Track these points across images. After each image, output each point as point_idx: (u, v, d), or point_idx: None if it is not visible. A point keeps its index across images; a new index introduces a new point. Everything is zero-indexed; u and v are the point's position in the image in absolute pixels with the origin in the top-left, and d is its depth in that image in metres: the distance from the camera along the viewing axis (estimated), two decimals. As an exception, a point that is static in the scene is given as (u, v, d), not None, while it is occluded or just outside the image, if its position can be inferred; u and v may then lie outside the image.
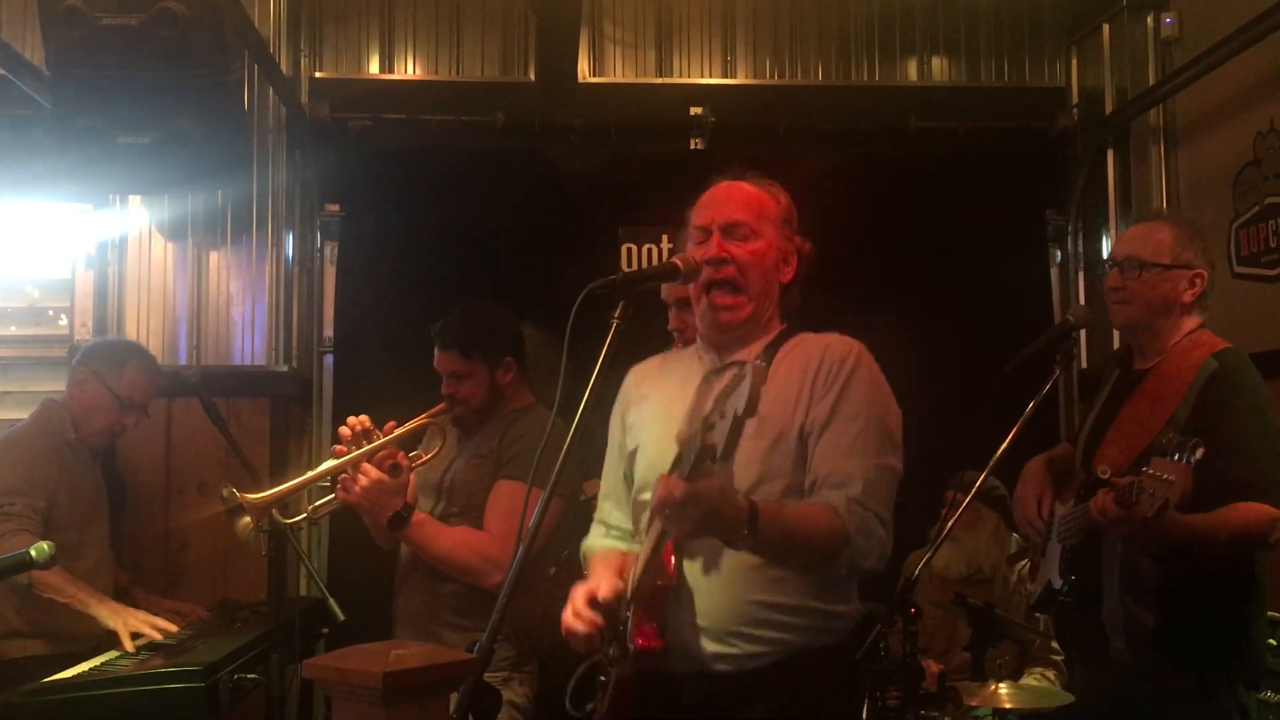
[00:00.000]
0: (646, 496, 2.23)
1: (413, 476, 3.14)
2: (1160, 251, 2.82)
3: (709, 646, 2.14)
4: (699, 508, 1.84)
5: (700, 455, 1.79)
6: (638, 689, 2.15)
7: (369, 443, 3.07)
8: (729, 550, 2.11)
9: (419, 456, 3.21)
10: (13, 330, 4.65)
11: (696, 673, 2.15)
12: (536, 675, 3.18)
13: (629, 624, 2.13)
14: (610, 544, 2.44)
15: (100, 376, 3.63)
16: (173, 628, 3.39)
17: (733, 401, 1.70)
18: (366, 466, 3.01)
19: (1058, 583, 2.82)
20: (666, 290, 2.89)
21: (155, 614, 3.68)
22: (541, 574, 3.14)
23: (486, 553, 3.03)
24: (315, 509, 3.17)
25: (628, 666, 2.12)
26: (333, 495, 3.12)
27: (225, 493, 3.00)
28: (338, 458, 3.06)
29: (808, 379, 2.22)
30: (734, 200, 2.31)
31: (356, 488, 3.00)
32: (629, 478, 2.41)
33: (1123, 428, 2.79)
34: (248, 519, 2.97)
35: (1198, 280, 2.80)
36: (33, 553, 2.64)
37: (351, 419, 3.10)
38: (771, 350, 2.28)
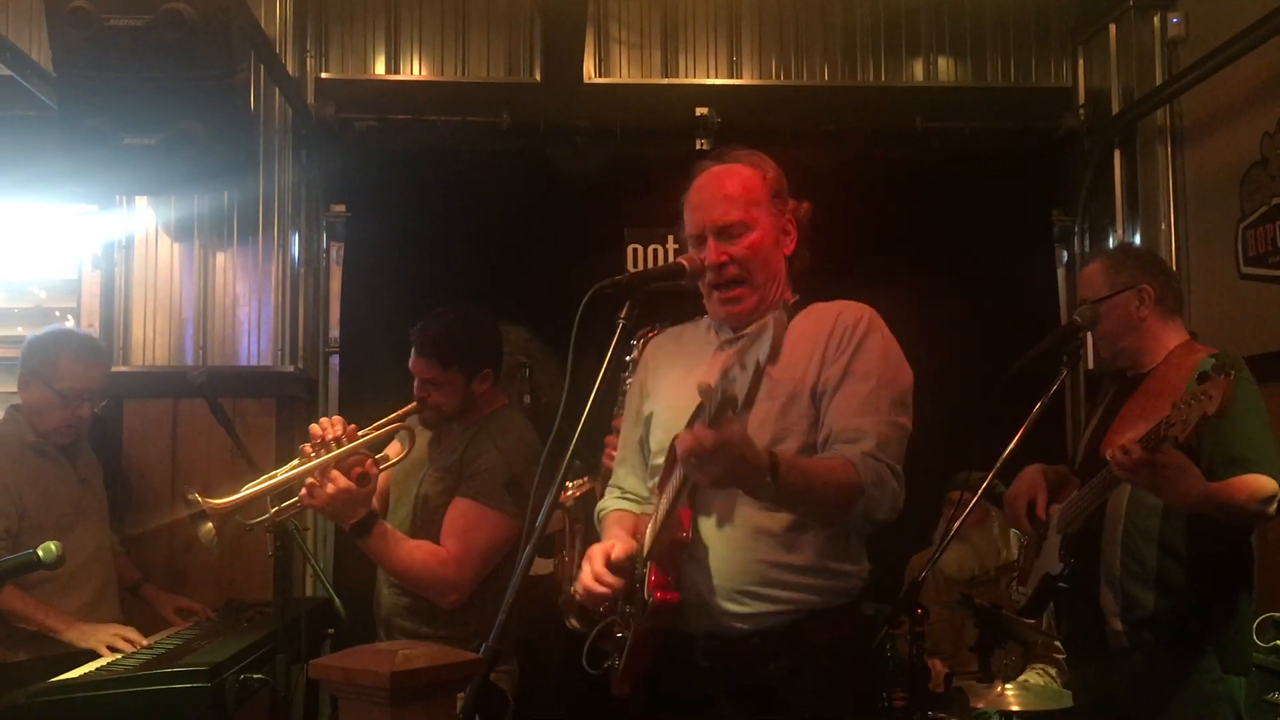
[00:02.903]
0: (660, 461, 2.31)
1: (385, 479, 3.12)
2: (1095, 287, 2.99)
3: (724, 605, 2.19)
4: (727, 455, 1.88)
5: (721, 405, 1.81)
6: (655, 644, 2.20)
7: (338, 445, 3.01)
8: (743, 510, 2.17)
9: (386, 459, 3.19)
10: (19, 331, 4.64)
11: (711, 633, 2.20)
12: (515, 674, 3.18)
13: (645, 579, 2.17)
14: (625, 505, 2.49)
15: (38, 375, 3.55)
16: (142, 640, 3.36)
17: (754, 352, 1.71)
18: (335, 474, 2.95)
19: (1056, 569, 2.86)
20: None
21: (163, 611, 3.68)
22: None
23: (443, 573, 3.03)
24: (279, 511, 3.05)
25: (645, 621, 2.16)
26: (296, 499, 3.03)
27: (190, 497, 2.93)
28: (305, 459, 3.00)
29: (820, 342, 2.26)
30: (722, 198, 2.33)
31: (322, 494, 2.94)
32: (644, 444, 2.46)
33: (1128, 419, 2.84)
34: (209, 525, 2.90)
35: (1144, 294, 2.93)
36: (40, 553, 2.65)
37: (324, 420, 3.05)
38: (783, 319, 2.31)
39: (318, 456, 3.00)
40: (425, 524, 3.14)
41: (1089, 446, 2.98)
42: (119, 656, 3.22)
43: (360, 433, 3.07)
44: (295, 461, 3.03)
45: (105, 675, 2.92)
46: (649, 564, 2.18)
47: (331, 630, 3.63)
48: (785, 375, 2.21)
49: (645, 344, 2.80)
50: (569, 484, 3.17)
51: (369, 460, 3.06)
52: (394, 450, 3.29)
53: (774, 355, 1.68)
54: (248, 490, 2.99)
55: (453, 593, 3.03)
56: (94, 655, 3.26)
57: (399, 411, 3.20)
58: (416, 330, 3.20)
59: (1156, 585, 2.76)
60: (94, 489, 3.74)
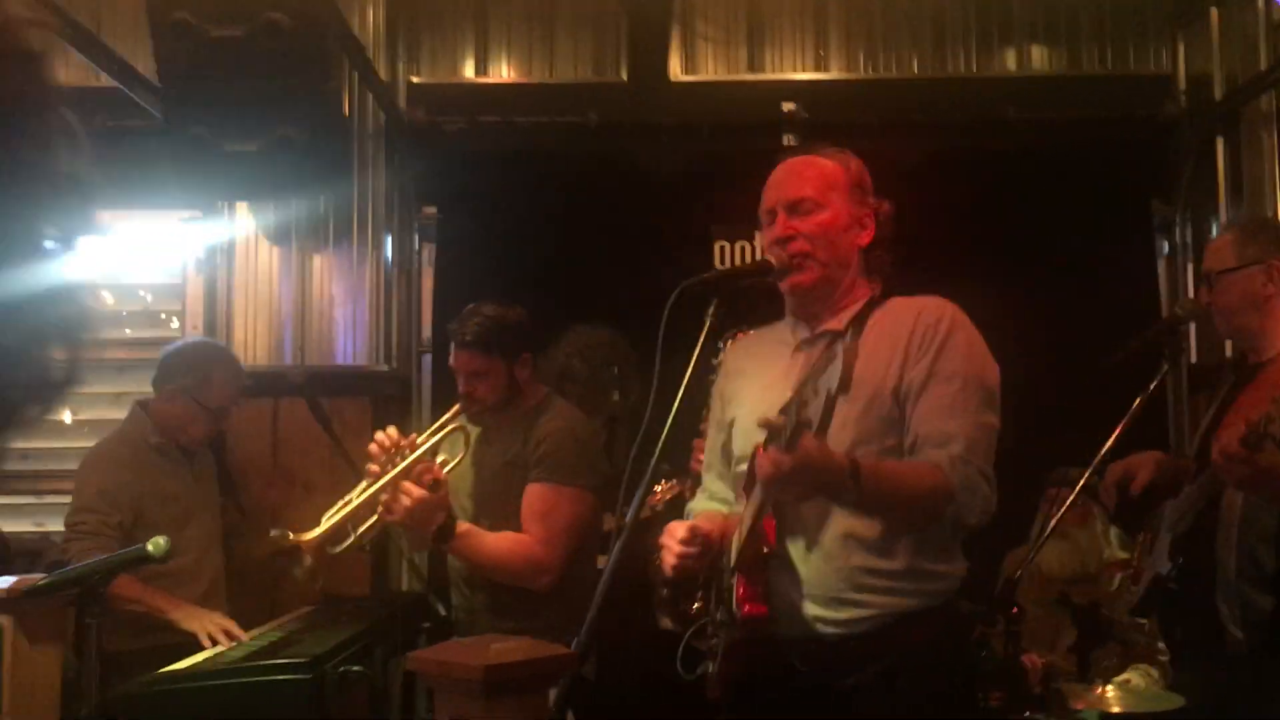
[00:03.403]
0: (743, 468, 2.28)
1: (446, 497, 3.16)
2: (1224, 258, 2.86)
3: (814, 611, 2.17)
4: (807, 473, 1.88)
5: (796, 430, 1.81)
6: (749, 653, 2.19)
7: (401, 458, 3.03)
8: (833, 516, 2.15)
9: (446, 463, 3.20)
10: (127, 333, 4.82)
11: (804, 638, 2.18)
12: (593, 671, 3.20)
13: (733, 591, 2.16)
14: (715, 506, 2.48)
15: (189, 392, 3.66)
16: (244, 636, 3.43)
17: (825, 379, 1.71)
18: (408, 486, 2.96)
19: (1165, 568, 2.77)
20: None
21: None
22: (590, 570, 3.14)
23: (531, 556, 3.06)
24: (360, 535, 3.10)
25: (736, 632, 2.16)
26: (375, 519, 3.06)
27: (275, 534, 2.96)
28: (372, 478, 3.02)
29: (900, 343, 2.22)
30: (795, 176, 2.32)
31: (400, 509, 2.96)
32: (727, 450, 2.44)
33: (1240, 413, 2.73)
34: (308, 561, 2.93)
35: (1274, 271, 2.80)
36: (149, 548, 2.75)
37: (380, 435, 3.06)
38: (862, 317, 2.29)
39: (384, 473, 3.02)
40: (492, 522, 3.17)
41: (1202, 440, 2.86)
42: (223, 649, 3.31)
43: (419, 440, 3.10)
44: (364, 483, 3.04)
45: (210, 666, 3.01)
46: (736, 575, 2.17)
47: (427, 624, 3.69)
48: (865, 376, 2.17)
49: (732, 345, 2.80)
50: (657, 487, 3.19)
51: (436, 465, 3.08)
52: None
53: (845, 386, 1.68)
54: (329, 521, 3.01)
55: (544, 575, 3.06)
56: (200, 646, 3.36)
57: (448, 414, 3.24)
58: (452, 328, 3.26)
59: (1275, 587, 2.62)
60: (207, 487, 3.86)
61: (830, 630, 2.17)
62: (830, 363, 1.70)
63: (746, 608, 2.12)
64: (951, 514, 2.12)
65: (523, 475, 3.17)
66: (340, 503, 3.06)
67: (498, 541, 3.12)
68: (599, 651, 3.24)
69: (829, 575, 2.16)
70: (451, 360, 3.27)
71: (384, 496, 3.01)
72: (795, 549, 2.19)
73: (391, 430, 3.09)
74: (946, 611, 2.24)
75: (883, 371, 2.20)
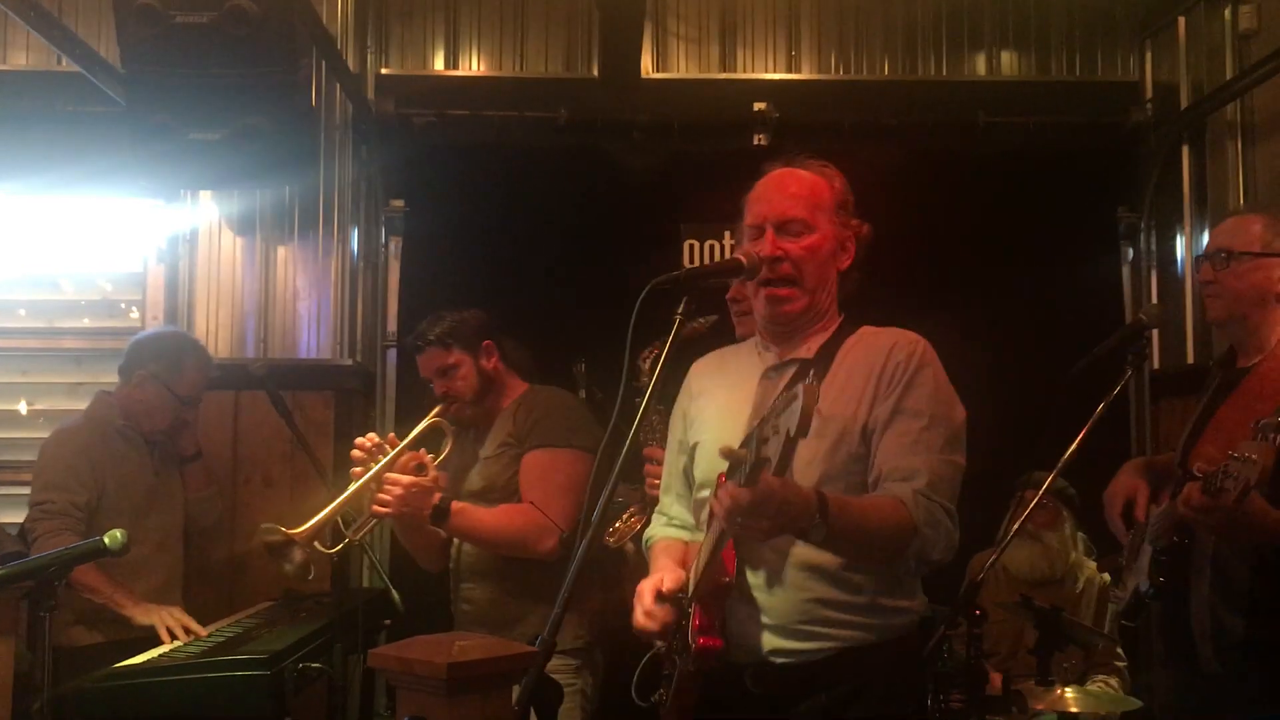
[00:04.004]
0: (706, 494, 2.24)
1: (441, 477, 3.15)
2: (1249, 240, 2.76)
3: (771, 642, 2.15)
4: (767, 508, 1.84)
5: (756, 465, 1.78)
6: (700, 684, 2.15)
7: (384, 456, 3.08)
8: (794, 548, 2.12)
9: (433, 458, 3.21)
10: (86, 323, 4.75)
11: (758, 663, 2.16)
12: (602, 664, 3.19)
13: (689, 620, 2.13)
14: (673, 533, 2.44)
15: (159, 378, 3.67)
16: (202, 631, 3.41)
17: (786, 418, 1.68)
18: (394, 475, 3.01)
19: (1144, 586, 2.76)
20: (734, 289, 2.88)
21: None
22: (601, 547, 3.12)
23: (531, 519, 3.06)
24: (355, 530, 3.15)
25: (689, 663, 2.12)
26: (368, 515, 3.11)
27: (265, 527, 2.99)
28: (357, 478, 3.07)
29: (872, 378, 2.20)
30: (786, 194, 2.29)
31: (392, 498, 2.99)
32: (689, 474, 2.41)
33: (1221, 426, 2.72)
34: (299, 553, 2.97)
35: None
36: (106, 540, 2.71)
37: (360, 439, 3.13)
38: (832, 346, 2.27)
39: (367, 472, 3.06)
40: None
41: (1186, 445, 2.85)
42: (180, 644, 3.27)
43: (400, 440, 3.14)
44: (352, 484, 3.09)
45: (167, 662, 2.98)
46: (693, 605, 2.14)
47: (388, 621, 3.67)
48: (835, 411, 2.16)
49: (652, 363, 2.78)
50: (618, 523, 3.16)
51: (420, 452, 3.11)
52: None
53: (803, 430, 1.65)
54: (320, 516, 3.05)
55: (549, 536, 3.05)
56: (157, 641, 3.32)
57: (430, 414, 3.26)
58: (411, 339, 3.35)
59: (1248, 607, 2.60)
60: (168, 480, 3.83)
61: (785, 660, 2.14)
62: (792, 402, 1.67)
63: (701, 640, 2.08)
64: (915, 549, 2.09)
65: (516, 453, 3.18)
66: (331, 505, 3.08)
67: (496, 514, 3.12)
68: (607, 656, 3.22)
69: (789, 607, 2.14)
70: (420, 368, 3.32)
71: (376, 494, 3.03)
72: (755, 580, 2.16)
73: (372, 435, 3.15)
74: (904, 645, 2.22)
75: (853, 408, 2.18)
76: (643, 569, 2.42)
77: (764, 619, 2.15)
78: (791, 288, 2.25)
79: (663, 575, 2.22)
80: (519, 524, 3.07)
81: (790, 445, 1.68)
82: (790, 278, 2.24)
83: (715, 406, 2.36)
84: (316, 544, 3.03)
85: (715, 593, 2.11)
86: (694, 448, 2.37)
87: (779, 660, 2.14)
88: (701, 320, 2.94)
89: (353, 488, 3.07)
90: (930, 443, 2.14)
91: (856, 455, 2.17)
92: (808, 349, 2.28)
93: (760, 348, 2.37)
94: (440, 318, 3.33)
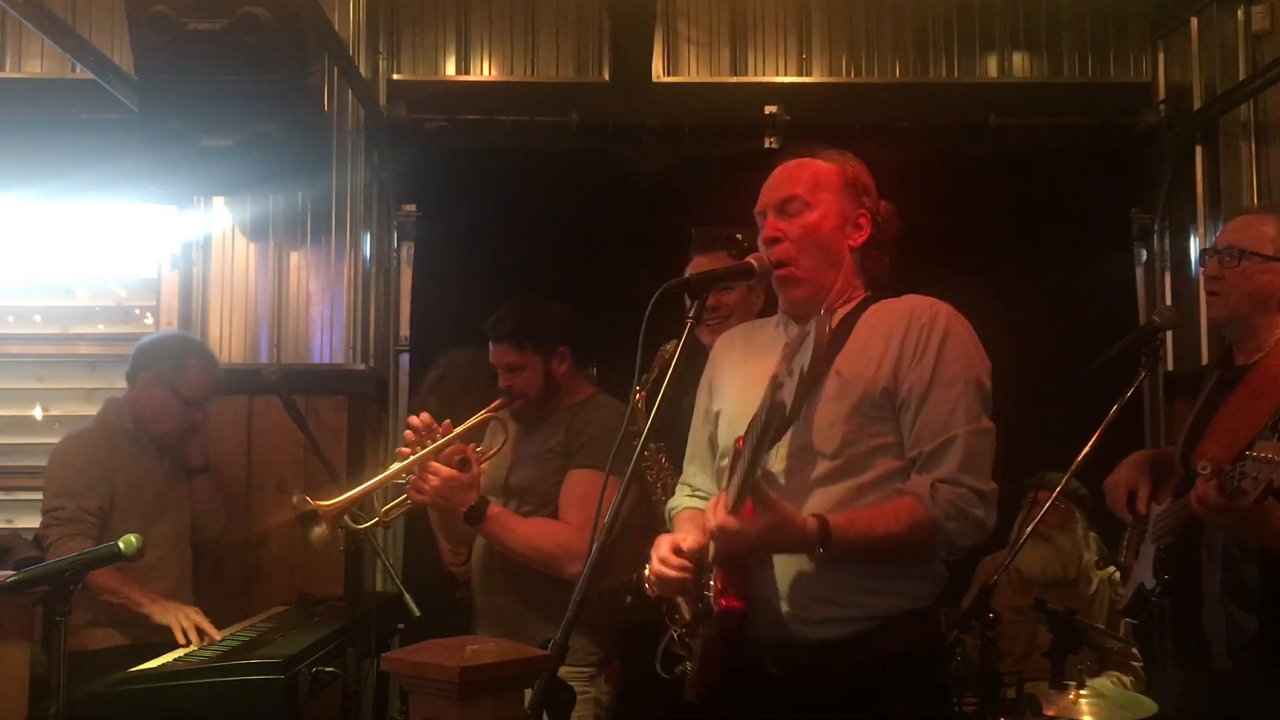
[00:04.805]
0: (726, 462, 2.27)
1: (481, 472, 3.15)
2: (1262, 242, 2.74)
3: (792, 612, 2.15)
4: (746, 542, 1.93)
5: (741, 491, 1.82)
6: (725, 651, 2.18)
7: (432, 441, 3.06)
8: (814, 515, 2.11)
9: (484, 452, 3.21)
10: (101, 329, 4.77)
11: (778, 641, 2.17)
12: (619, 670, 3.18)
13: (712, 586, 2.14)
14: (696, 503, 2.46)
15: (164, 380, 3.68)
16: (216, 634, 3.42)
17: (799, 358, 1.69)
18: (436, 465, 3.00)
19: (1150, 583, 2.75)
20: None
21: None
22: (619, 560, 3.13)
23: (565, 542, 3.02)
24: (387, 512, 3.15)
25: (713, 627, 2.14)
26: (404, 497, 3.11)
27: (296, 499, 2.99)
28: (403, 459, 3.05)
29: (894, 340, 2.20)
30: (787, 177, 2.31)
31: (429, 486, 2.99)
32: (713, 442, 2.42)
33: (1224, 423, 2.71)
34: (322, 527, 2.96)
35: None
36: (121, 545, 2.74)
37: (413, 419, 3.10)
38: (853, 316, 2.27)
39: (413, 454, 3.04)
40: (527, 513, 3.16)
41: (1186, 444, 2.84)
42: (194, 648, 3.28)
43: (454, 427, 3.11)
44: (395, 464, 3.08)
45: (181, 666, 2.98)
46: (714, 569, 2.15)
47: (401, 625, 3.67)
48: (855, 374, 2.16)
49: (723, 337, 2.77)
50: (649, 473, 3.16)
51: (468, 446, 3.10)
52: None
53: (815, 361, 1.65)
54: (354, 491, 3.04)
55: (579, 561, 2.98)
56: (171, 645, 3.33)
57: (488, 406, 3.22)
58: (489, 323, 3.25)
59: (1260, 605, 2.58)
60: (179, 485, 3.84)
61: (806, 633, 2.15)
62: (804, 341, 1.68)
63: (724, 601, 2.10)
64: (942, 543, 2.13)
65: (563, 463, 3.15)
66: (370, 480, 3.07)
67: (531, 525, 3.10)
68: (623, 659, 3.21)
69: (807, 574, 2.14)
70: (490, 355, 3.26)
71: (412, 477, 3.02)
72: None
73: (425, 415, 3.11)
74: (924, 617, 2.22)
75: (874, 369, 2.17)
76: None
77: (781, 586, 2.16)
78: (789, 269, 2.25)
79: (685, 535, 2.24)
80: (552, 543, 3.05)
81: (804, 383, 1.68)
82: (787, 258, 2.25)
83: (738, 377, 2.38)
84: (347, 519, 3.02)
85: (736, 557, 2.13)
86: (717, 415, 2.39)
87: (798, 631, 2.15)
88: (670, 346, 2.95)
89: (394, 467, 3.06)
90: (967, 412, 2.15)
91: (879, 416, 2.17)
92: (803, 330, 2.29)
93: (784, 322, 2.38)
94: (519, 311, 3.23)
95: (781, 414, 1.77)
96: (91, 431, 3.69)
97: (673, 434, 3.01)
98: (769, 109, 4.77)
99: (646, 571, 2.27)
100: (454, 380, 3.98)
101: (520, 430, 3.32)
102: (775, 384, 1.76)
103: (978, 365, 2.22)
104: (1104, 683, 3.69)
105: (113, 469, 3.59)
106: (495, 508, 3.08)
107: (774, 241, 2.26)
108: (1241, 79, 4.43)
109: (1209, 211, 4.61)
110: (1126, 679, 3.83)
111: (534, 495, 3.18)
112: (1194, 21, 4.68)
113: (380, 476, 3.08)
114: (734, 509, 1.99)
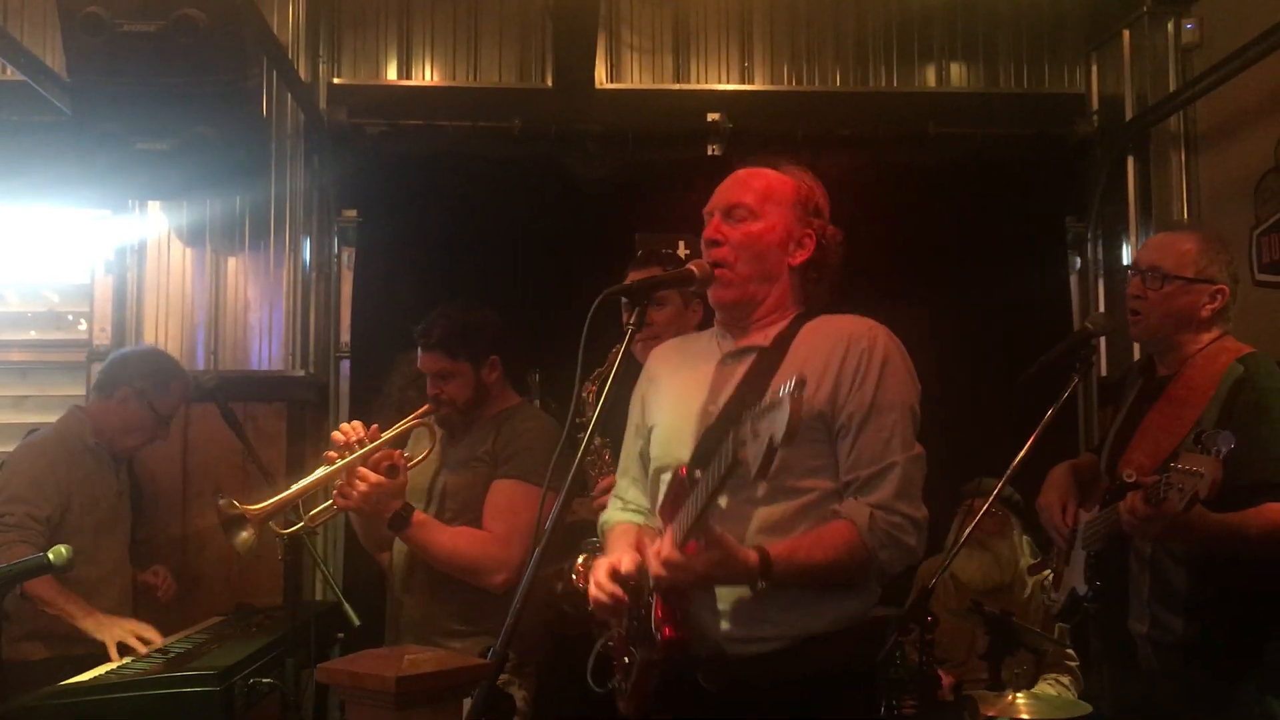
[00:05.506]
0: (664, 477, 2.28)
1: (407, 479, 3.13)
2: (1184, 264, 2.78)
3: (727, 631, 2.16)
4: (690, 578, 1.98)
5: (691, 529, 1.89)
6: (660, 673, 2.18)
7: (361, 448, 3.04)
8: (750, 540, 2.13)
9: (411, 458, 3.19)
10: (32, 335, 4.68)
11: (713, 655, 2.17)
12: (535, 677, 3.18)
13: (653, 611, 2.14)
14: (629, 517, 2.46)
15: (144, 396, 3.65)
16: (158, 639, 3.38)
17: (768, 423, 1.68)
18: (364, 471, 2.98)
19: (1082, 589, 2.81)
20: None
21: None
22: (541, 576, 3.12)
23: (489, 551, 3.03)
24: (312, 518, 3.11)
25: (654, 654, 2.14)
26: (329, 503, 3.09)
27: (222, 502, 2.96)
28: (330, 464, 3.03)
29: (833, 364, 2.20)
30: (739, 184, 2.32)
31: (355, 492, 2.97)
32: (645, 456, 2.42)
33: (1148, 433, 2.77)
34: (247, 533, 2.93)
35: (1219, 295, 2.77)
36: (50, 556, 2.67)
37: (345, 426, 3.09)
38: (788, 335, 2.28)
39: (342, 460, 3.02)
40: (450, 520, 3.14)
41: (1111, 454, 2.90)
42: (129, 660, 3.23)
43: (382, 434, 3.09)
44: (322, 469, 3.05)
45: (115, 679, 2.93)
46: (655, 596, 2.14)
47: (341, 634, 3.64)
48: None
49: (596, 394, 2.79)
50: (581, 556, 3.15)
51: (396, 453, 3.08)
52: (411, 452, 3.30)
53: (789, 438, 1.66)
54: (280, 496, 3.01)
55: (501, 571, 3.01)
56: (107, 657, 3.27)
57: (416, 412, 3.21)
58: (420, 330, 3.23)
59: (1185, 608, 2.64)
60: (125, 502, 3.80)
61: (738, 649, 2.16)
62: (776, 408, 1.67)
63: (667, 631, 2.10)
64: (876, 571, 2.16)
65: (489, 472, 3.13)
66: (296, 485, 3.03)
67: (455, 536, 3.08)
68: (541, 667, 3.20)
69: (745, 597, 2.14)
70: (419, 362, 3.24)
71: (339, 483, 3.00)
72: None
73: (356, 423, 3.09)
74: (856, 633, 2.23)
75: (811, 391, 2.15)
76: None
77: (720, 606, 2.16)
78: (724, 270, 2.26)
79: (620, 556, 2.24)
80: (476, 552, 3.04)
81: (772, 452, 1.69)
82: (724, 260, 2.26)
83: (672, 391, 2.38)
84: (271, 524, 2.99)
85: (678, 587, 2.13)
86: (650, 431, 2.39)
87: (734, 649, 2.15)
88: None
89: (320, 472, 3.04)
90: (903, 439, 2.18)
91: (813, 439, 2.18)
92: (764, 337, 2.30)
93: (719, 336, 2.39)
94: (450, 318, 3.21)
95: (740, 473, 1.78)
96: (51, 440, 3.63)
97: (618, 432, 3.02)
98: (712, 116, 4.80)
99: (578, 561, 2.27)
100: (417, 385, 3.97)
101: (446, 436, 3.31)
102: (739, 441, 1.76)
103: (911, 392, 2.24)
104: (1044, 688, 3.75)
105: (69, 481, 3.54)
106: (420, 515, 3.06)
107: (713, 244, 2.27)
108: (1172, 90, 4.54)
109: (1141, 220, 4.71)
110: (1064, 679, 3.89)
111: (457, 501, 3.17)
112: (1126, 34, 4.79)
113: (306, 481, 3.04)
114: (680, 544, 2.00)
